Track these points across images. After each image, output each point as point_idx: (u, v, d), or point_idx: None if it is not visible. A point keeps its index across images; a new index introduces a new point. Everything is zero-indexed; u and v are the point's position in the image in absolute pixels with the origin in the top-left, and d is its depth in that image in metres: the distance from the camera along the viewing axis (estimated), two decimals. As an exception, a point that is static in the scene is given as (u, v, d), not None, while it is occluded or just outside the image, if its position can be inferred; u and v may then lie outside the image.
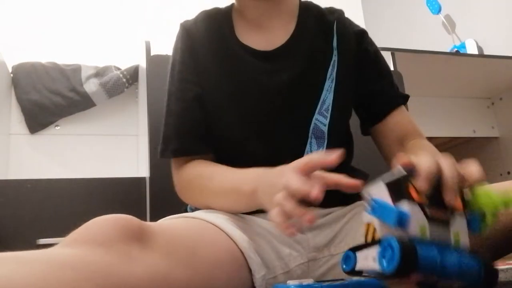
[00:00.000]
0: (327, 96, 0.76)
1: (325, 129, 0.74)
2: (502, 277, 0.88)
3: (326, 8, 0.84)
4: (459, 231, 0.45)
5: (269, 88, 0.75)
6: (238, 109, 0.75)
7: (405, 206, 0.43)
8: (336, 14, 0.82)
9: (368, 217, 0.47)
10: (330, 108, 0.75)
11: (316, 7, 0.84)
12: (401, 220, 0.42)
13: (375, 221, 0.46)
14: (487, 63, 1.83)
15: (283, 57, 0.76)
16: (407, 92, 1.52)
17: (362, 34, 0.83)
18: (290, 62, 0.76)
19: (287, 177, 0.51)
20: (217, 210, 0.68)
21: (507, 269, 1.01)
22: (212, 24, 0.79)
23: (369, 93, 0.82)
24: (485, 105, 2.12)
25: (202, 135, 0.75)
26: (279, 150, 0.73)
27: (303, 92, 0.75)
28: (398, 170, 0.46)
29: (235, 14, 0.81)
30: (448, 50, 2.15)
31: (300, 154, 0.69)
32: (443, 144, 2.24)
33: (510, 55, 1.85)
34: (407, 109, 0.86)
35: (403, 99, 0.84)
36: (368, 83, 0.81)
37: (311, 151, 0.74)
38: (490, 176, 2.09)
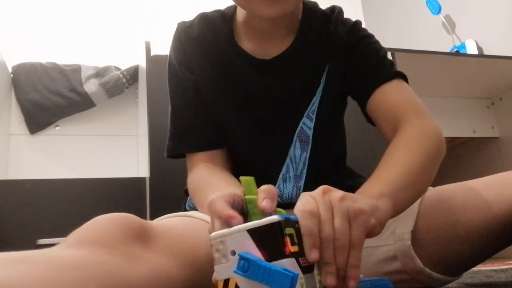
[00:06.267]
0: (316, 99, 0.77)
1: (310, 132, 0.75)
2: (502, 277, 0.88)
3: (327, 9, 0.82)
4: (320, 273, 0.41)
5: (262, 101, 0.76)
6: (230, 108, 0.77)
7: (286, 263, 0.37)
8: (334, 16, 0.80)
9: (225, 273, 0.40)
10: (316, 109, 0.76)
11: (319, 12, 0.80)
12: (293, 285, 0.36)
13: (238, 279, 0.39)
14: (487, 63, 1.83)
15: (280, 68, 0.76)
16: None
17: (352, 27, 0.80)
18: (286, 74, 0.76)
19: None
20: None
21: (507, 269, 1.01)
22: (209, 28, 0.79)
23: (354, 77, 0.77)
24: (485, 105, 2.12)
25: (213, 126, 0.76)
26: (265, 150, 0.76)
27: (296, 102, 0.76)
28: (265, 216, 0.41)
29: (238, 19, 0.79)
30: (448, 50, 2.15)
31: (283, 155, 0.75)
32: (443, 144, 2.23)
33: (510, 55, 1.85)
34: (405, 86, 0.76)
35: (389, 76, 0.74)
36: (354, 68, 0.77)
37: (294, 153, 0.75)
38: (490, 176, 2.09)
